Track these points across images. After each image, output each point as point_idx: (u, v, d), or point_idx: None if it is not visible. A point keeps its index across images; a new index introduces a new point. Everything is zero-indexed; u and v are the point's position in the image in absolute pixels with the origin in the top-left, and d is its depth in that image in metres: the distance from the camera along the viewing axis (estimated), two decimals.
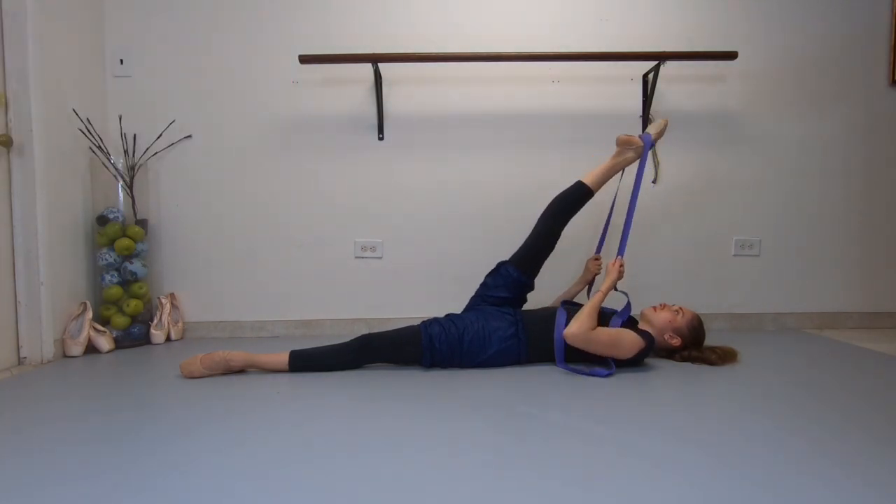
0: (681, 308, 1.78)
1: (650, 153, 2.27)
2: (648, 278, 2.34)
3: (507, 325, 1.73)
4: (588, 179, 1.86)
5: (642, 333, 1.67)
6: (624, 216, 1.89)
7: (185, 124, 2.26)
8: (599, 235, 2.08)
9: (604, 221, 2.07)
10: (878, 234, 2.38)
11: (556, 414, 1.28)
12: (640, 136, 1.87)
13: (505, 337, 1.71)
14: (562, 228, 1.86)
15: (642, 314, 1.82)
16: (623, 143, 1.87)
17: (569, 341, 1.62)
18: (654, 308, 1.80)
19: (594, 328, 1.62)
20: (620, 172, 1.94)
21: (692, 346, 1.77)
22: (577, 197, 1.85)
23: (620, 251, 1.81)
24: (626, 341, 1.63)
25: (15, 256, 1.83)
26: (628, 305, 1.78)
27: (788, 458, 1.03)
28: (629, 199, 1.86)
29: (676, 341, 1.75)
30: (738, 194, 2.35)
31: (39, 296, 1.85)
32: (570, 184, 1.89)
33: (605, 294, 1.70)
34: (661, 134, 1.91)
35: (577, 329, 1.60)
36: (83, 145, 2.10)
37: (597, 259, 2.05)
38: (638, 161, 1.88)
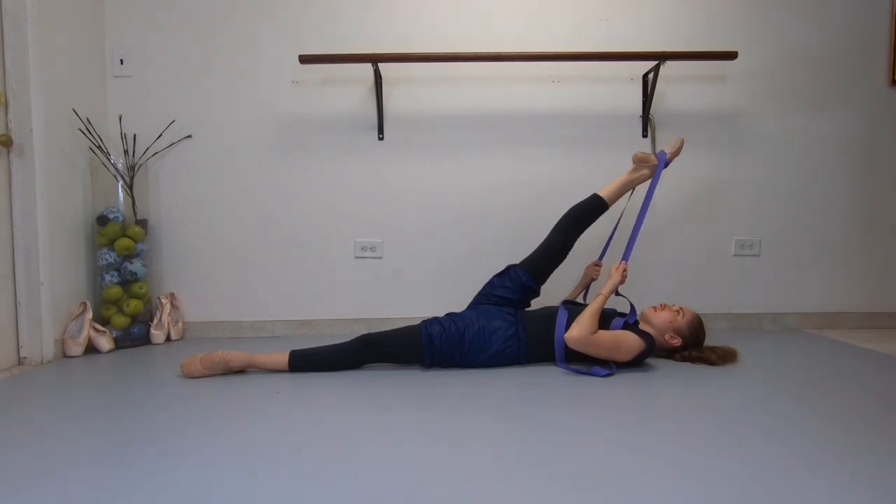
0: (681, 308, 1.78)
1: (651, 149, 2.29)
2: (648, 278, 2.34)
3: (508, 325, 1.72)
4: (604, 193, 1.88)
5: (643, 335, 1.67)
6: (631, 223, 1.89)
7: (185, 124, 2.26)
8: (604, 244, 2.08)
9: (609, 231, 2.07)
10: (878, 235, 2.38)
11: (557, 414, 1.28)
12: (655, 154, 1.88)
13: (506, 337, 1.70)
14: (575, 239, 1.87)
15: (642, 315, 1.82)
16: (639, 161, 1.90)
17: (570, 345, 1.62)
18: (655, 308, 1.80)
19: (595, 332, 1.62)
20: (631, 190, 1.96)
21: (692, 346, 1.77)
22: (591, 209, 1.87)
23: (626, 256, 1.81)
24: (626, 344, 1.63)
25: (15, 256, 1.83)
26: (633, 311, 1.78)
27: (789, 457, 1.03)
28: (639, 208, 1.87)
29: (677, 341, 1.75)
30: (738, 194, 2.35)
31: (39, 296, 1.85)
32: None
33: (607, 297, 1.71)
34: (676, 153, 1.93)
35: (578, 333, 1.60)
36: (83, 145, 2.10)
37: (597, 265, 2.05)
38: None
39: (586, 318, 1.63)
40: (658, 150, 2.25)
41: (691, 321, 1.77)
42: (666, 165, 1.91)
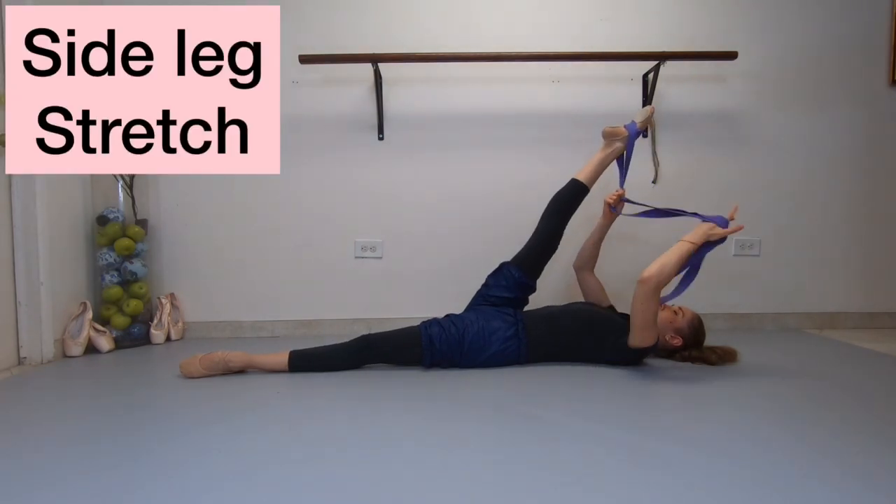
0: (681, 308, 1.78)
1: (651, 149, 2.29)
2: None
3: (508, 325, 1.72)
4: (581, 175, 1.88)
5: None
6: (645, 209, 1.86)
7: None
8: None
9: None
10: (878, 234, 2.38)
11: (557, 414, 1.28)
12: (625, 126, 1.88)
13: (505, 337, 1.70)
14: (563, 228, 1.86)
15: None
16: (609, 135, 1.89)
17: (641, 282, 1.48)
18: None
19: (668, 283, 1.51)
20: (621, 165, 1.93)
21: (692, 346, 1.77)
22: (573, 194, 1.86)
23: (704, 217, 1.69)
24: (652, 331, 1.59)
25: (15, 256, 1.83)
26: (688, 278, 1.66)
27: (788, 458, 1.03)
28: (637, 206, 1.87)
29: (677, 341, 1.74)
30: (739, 194, 2.34)
31: (39, 296, 1.85)
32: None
33: (695, 245, 1.55)
34: (647, 122, 1.92)
35: (657, 272, 1.48)
36: None
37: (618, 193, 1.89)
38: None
39: (672, 259, 1.49)
40: (646, 135, 2.24)
41: (691, 321, 1.76)
42: (637, 136, 1.89)
